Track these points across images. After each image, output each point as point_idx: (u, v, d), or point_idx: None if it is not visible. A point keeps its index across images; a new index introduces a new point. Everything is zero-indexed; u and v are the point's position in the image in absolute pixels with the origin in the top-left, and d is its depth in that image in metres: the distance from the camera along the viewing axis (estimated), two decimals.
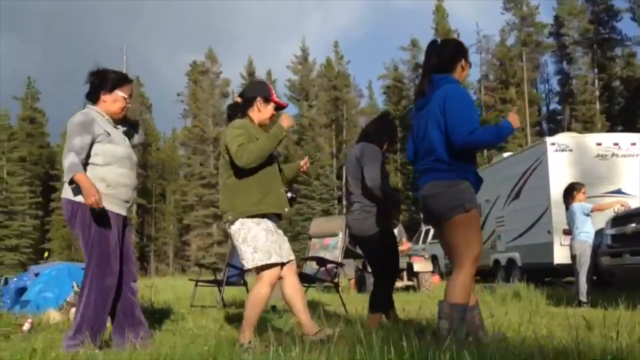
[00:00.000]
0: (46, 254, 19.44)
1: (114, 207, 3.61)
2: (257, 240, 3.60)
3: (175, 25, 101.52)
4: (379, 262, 4.67)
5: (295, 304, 3.70)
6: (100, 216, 3.53)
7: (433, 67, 3.48)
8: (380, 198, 4.47)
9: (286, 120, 3.73)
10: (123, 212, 3.69)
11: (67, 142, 3.52)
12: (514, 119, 3.36)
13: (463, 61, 3.51)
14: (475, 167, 3.45)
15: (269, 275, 3.62)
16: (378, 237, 4.53)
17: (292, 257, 3.76)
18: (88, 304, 3.50)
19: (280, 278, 3.70)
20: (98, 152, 3.58)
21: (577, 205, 7.68)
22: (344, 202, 47.29)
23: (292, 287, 3.72)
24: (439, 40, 3.64)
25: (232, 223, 3.67)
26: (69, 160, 3.42)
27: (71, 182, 3.42)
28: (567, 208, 7.83)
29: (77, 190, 3.51)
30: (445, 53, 3.50)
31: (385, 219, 4.59)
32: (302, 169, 4.11)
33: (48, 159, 53.59)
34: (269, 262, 3.59)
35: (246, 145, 3.59)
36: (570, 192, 7.80)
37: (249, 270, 3.75)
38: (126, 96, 3.76)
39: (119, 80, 3.75)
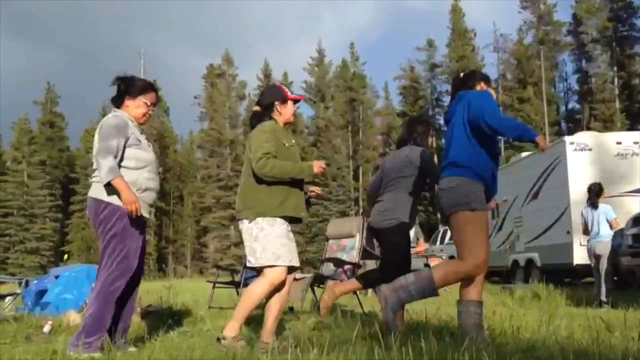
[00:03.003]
0: (66, 257, 19.62)
1: (142, 210, 3.65)
2: (268, 241, 3.64)
3: (192, 29, 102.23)
4: (395, 257, 4.67)
5: (271, 310, 3.75)
6: (128, 218, 3.57)
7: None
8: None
9: (317, 167, 3.82)
10: (147, 215, 3.75)
11: (104, 143, 3.54)
12: (542, 140, 3.37)
13: (483, 83, 3.71)
14: (493, 166, 3.45)
15: (272, 275, 3.64)
16: (400, 232, 4.54)
17: (297, 263, 3.78)
18: (100, 304, 3.52)
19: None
20: (130, 156, 3.64)
21: (607, 207, 7.80)
22: (361, 203, 47.20)
23: (280, 294, 3.76)
24: (462, 74, 3.90)
25: (249, 221, 3.71)
26: (109, 163, 3.47)
27: (108, 184, 3.48)
28: (595, 206, 7.88)
29: (110, 190, 3.56)
30: (469, 77, 3.75)
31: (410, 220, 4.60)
32: (310, 195, 4.10)
33: (68, 163, 54.21)
34: (274, 264, 3.62)
35: (272, 158, 3.67)
36: (599, 192, 7.93)
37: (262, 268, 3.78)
38: (149, 103, 3.83)
39: (144, 87, 3.85)
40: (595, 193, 8.05)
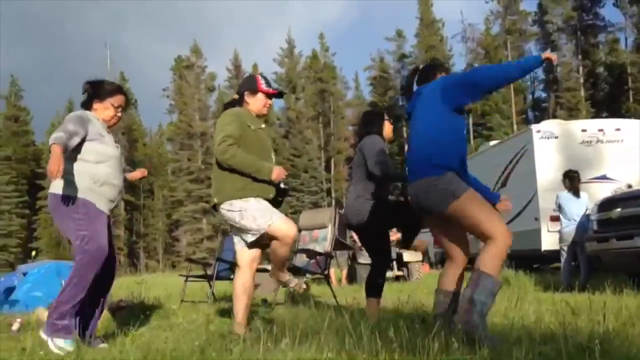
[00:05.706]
0: (34, 253, 19.30)
1: (99, 203, 3.66)
2: (252, 210, 3.72)
3: (160, 20, 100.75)
4: (379, 246, 4.72)
5: (239, 302, 3.83)
6: (86, 208, 3.58)
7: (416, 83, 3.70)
8: (384, 177, 4.50)
9: (277, 174, 3.81)
10: (106, 211, 3.74)
11: (62, 126, 3.56)
12: (548, 55, 3.21)
13: (444, 73, 3.66)
14: (463, 153, 3.45)
15: (279, 228, 3.69)
16: (376, 222, 4.55)
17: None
18: (75, 292, 3.49)
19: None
20: (91, 149, 3.67)
21: (586, 195, 8.23)
22: (333, 194, 47.30)
23: (246, 286, 3.89)
24: (420, 66, 3.88)
25: (218, 206, 3.84)
26: (57, 134, 3.44)
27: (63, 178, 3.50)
28: (577, 194, 8.13)
29: (66, 184, 3.58)
30: (429, 70, 3.72)
31: (382, 205, 4.62)
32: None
33: (34, 157, 53.06)
34: (271, 222, 3.68)
35: (234, 145, 3.71)
36: (579, 180, 8.23)
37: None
38: (116, 105, 3.88)
39: (112, 90, 3.92)
40: (577, 180, 8.30)
